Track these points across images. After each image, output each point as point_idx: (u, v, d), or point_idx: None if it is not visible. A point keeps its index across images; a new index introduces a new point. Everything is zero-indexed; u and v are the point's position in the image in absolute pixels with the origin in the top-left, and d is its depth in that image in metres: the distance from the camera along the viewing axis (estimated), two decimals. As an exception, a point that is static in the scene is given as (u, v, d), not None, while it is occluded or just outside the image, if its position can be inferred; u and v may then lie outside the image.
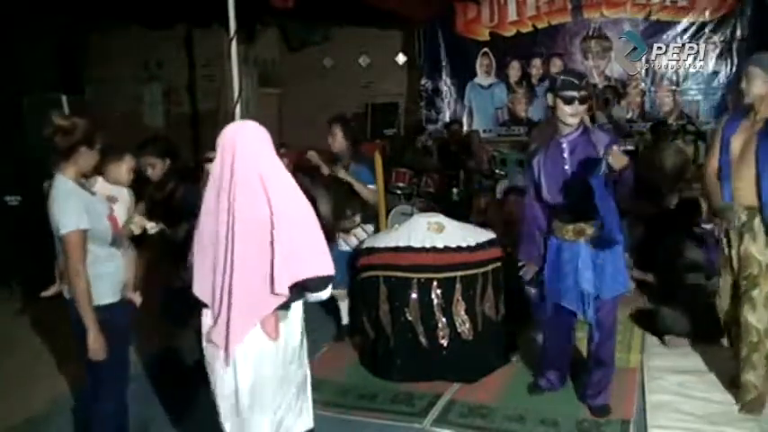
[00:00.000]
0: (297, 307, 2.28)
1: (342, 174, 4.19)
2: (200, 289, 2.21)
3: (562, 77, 3.10)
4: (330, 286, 2.25)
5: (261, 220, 2.08)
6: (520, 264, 3.47)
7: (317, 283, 2.17)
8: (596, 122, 6.71)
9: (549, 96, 3.11)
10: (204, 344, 2.26)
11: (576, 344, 3.84)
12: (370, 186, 4.33)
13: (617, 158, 2.84)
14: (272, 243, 2.08)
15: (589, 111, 3.16)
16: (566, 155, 3.10)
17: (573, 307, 3.22)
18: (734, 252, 3.24)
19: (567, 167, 3.10)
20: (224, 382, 2.21)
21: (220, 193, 2.11)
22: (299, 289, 2.17)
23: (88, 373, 2.72)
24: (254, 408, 2.22)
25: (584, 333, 3.48)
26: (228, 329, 2.11)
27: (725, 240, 3.30)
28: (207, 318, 2.24)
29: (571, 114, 3.05)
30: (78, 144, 2.57)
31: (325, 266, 2.17)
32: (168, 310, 3.61)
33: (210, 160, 3.41)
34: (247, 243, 2.08)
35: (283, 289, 2.09)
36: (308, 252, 2.15)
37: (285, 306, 2.20)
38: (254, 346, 2.17)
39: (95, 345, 2.56)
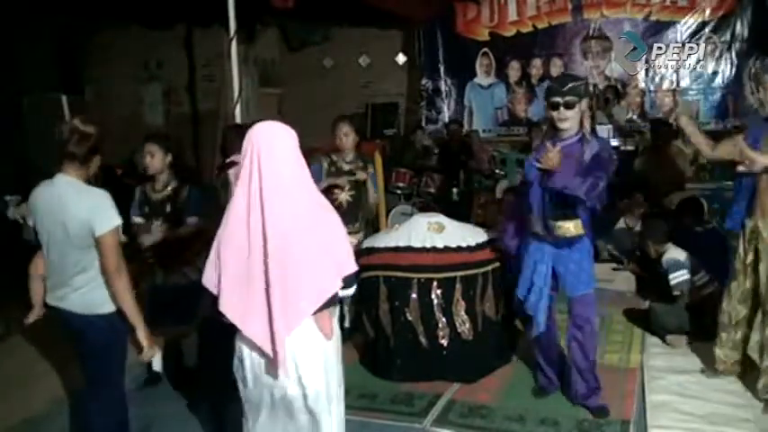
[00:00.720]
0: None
1: (363, 176, 4.20)
2: (231, 303, 2.12)
3: (549, 83, 3.15)
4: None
5: (296, 224, 2.07)
6: None
7: (350, 279, 2.21)
8: (596, 122, 6.70)
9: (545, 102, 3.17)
10: (247, 357, 2.19)
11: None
12: (376, 194, 4.39)
13: (546, 159, 2.92)
14: (313, 246, 2.09)
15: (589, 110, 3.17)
16: None
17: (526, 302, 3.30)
18: (762, 265, 3.21)
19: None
20: (283, 390, 2.16)
21: (250, 199, 2.07)
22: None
23: (88, 381, 2.69)
24: (323, 409, 2.20)
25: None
26: (274, 337, 2.07)
27: (742, 248, 3.29)
28: (253, 326, 2.12)
29: (559, 119, 3.07)
30: (95, 150, 2.54)
31: (353, 262, 2.23)
32: (161, 310, 3.61)
33: (232, 164, 3.40)
34: (284, 248, 2.05)
35: (335, 287, 2.13)
36: (341, 249, 2.18)
37: (333, 303, 2.21)
38: (317, 349, 2.17)
39: (149, 344, 2.55)
